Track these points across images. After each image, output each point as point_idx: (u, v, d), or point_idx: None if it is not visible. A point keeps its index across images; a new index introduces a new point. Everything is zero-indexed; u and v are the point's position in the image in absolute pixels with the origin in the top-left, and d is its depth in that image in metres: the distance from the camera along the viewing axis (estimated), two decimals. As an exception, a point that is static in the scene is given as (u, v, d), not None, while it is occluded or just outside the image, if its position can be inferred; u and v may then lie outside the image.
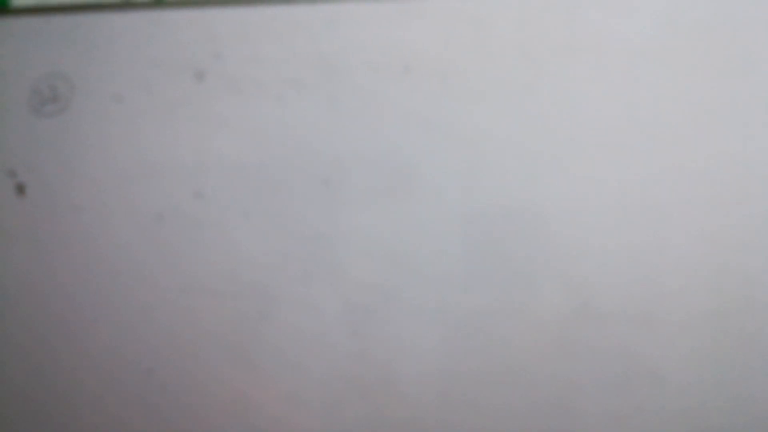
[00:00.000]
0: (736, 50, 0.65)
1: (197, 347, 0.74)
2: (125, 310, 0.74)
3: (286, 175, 0.72)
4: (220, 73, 0.74)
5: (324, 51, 0.72)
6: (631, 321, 0.66)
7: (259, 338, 0.73)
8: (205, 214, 0.73)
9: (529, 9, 0.69)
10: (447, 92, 0.70)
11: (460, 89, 0.69)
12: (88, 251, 0.76)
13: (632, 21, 0.67)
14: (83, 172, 0.76)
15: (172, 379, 0.74)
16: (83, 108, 0.77)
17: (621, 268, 0.66)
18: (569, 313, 0.67)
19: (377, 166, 0.71)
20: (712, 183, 0.65)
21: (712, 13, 0.66)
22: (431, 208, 0.70)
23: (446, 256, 0.70)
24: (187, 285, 0.73)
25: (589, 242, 0.67)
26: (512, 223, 0.69)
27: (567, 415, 0.67)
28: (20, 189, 0.78)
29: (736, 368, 0.65)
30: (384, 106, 0.71)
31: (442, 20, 0.70)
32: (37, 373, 0.76)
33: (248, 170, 0.72)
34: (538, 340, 0.67)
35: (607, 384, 0.66)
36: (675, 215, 0.66)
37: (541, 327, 0.67)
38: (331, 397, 0.71)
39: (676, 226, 0.66)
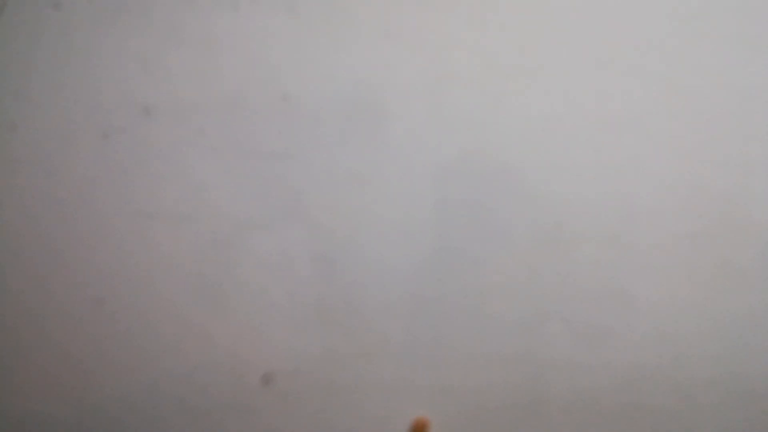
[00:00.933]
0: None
1: (151, 276, 0.70)
2: (71, 234, 0.69)
3: (241, 89, 0.67)
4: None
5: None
6: (603, 242, 0.64)
7: (218, 265, 0.69)
8: (155, 132, 0.68)
9: None
10: (416, 1, 0.65)
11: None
12: (26, 175, 0.70)
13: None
14: (17, 88, 0.70)
15: (124, 309, 0.69)
16: (18, 15, 0.70)
17: (595, 188, 0.64)
18: (542, 234, 0.64)
19: (340, 82, 0.66)
20: (689, 100, 0.63)
21: None
22: (399, 129, 0.66)
23: (415, 180, 0.66)
24: (138, 209, 0.68)
25: (563, 161, 0.64)
26: (484, 146, 0.65)
27: (536, 339, 0.65)
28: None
29: (709, 290, 0.63)
30: (347, 16, 0.66)
31: None
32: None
33: (200, 83, 0.67)
34: (509, 263, 0.65)
35: (578, 306, 0.64)
36: (651, 133, 0.63)
37: (512, 249, 0.65)
38: (293, 323, 0.68)
39: (651, 145, 0.63)
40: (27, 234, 0.70)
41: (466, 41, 0.64)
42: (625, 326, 0.64)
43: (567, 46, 0.63)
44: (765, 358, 0.64)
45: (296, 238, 0.68)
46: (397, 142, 0.66)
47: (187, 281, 0.70)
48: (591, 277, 0.64)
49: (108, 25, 0.68)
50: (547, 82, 0.64)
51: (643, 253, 0.63)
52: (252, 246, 0.68)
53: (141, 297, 0.70)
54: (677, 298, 0.64)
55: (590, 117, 0.63)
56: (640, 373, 0.65)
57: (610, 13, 0.63)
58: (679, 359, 0.64)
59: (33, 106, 0.69)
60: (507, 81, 0.64)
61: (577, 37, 0.63)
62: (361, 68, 0.66)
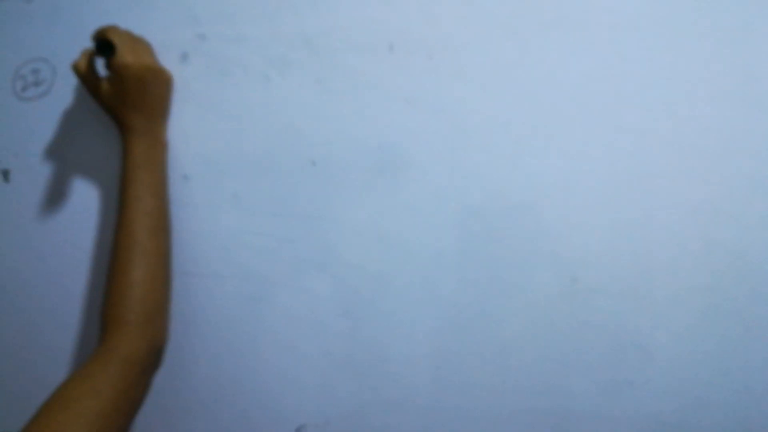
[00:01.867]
0: (725, 24, 0.65)
1: (189, 329, 0.74)
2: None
3: (272, 155, 0.71)
4: (205, 54, 0.73)
5: (308, 31, 0.71)
6: (619, 296, 0.66)
7: (251, 320, 0.73)
8: (193, 196, 0.73)
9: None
10: (432, 70, 0.69)
11: (446, 67, 0.69)
12: (73, 237, 0.76)
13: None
14: (67, 156, 0.76)
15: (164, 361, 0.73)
16: (65, 92, 0.76)
17: (609, 244, 0.66)
18: (559, 289, 0.67)
19: (364, 146, 0.71)
20: (699, 157, 0.65)
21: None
22: (420, 188, 0.70)
23: (437, 237, 0.70)
24: (177, 267, 0.73)
25: (577, 219, 0.67)
26: (501, 204, 0.68)
27: (558, 392, 0.67)
28: (5, 175, 0.77)
29: (725, 342, 0.65)
30: (370, 85, 0.70)
31: (428, -3, 0.70)
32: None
33: (234, 150, 0.72)
34: (529, 318, 0.68)
35: (597, 359, 0.66)
36: (662, 190, 0.66)
37: (531, 304, 0.68)
38: (323, 376, 0.71)
39: (663, 202, 0.66)
40: (76, 299, 0.75)
41: (481, 104, 0.68)
42: (644, 377, 0.66)
43: (579, 108, 0.67)
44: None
45: (325, 295, 0.71)
46: (418, 200, 0.70)
47: (220, 336, 0.73)
48: (609, 330, 0.66)
49: (149, 99, 0.73)
50: (561, 143, 0.67)
51: (659, 306, 0.66)
52: (282, 302, 0.72)
53: (177, 348, 0.73)
54: (694, 350, 0.65)
55: (603, 175, 0.66)
56: (660, 421, 0.66)
57: (620, 77, 0.66)
58: (697, 407, 0.66)
59: (81, 172, 0.75)
60: (521, 144, 0.68)
61: (589, 99, 0.67)
62: (384, 132, 0.70)
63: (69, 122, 0.76)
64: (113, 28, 0.67)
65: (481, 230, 0.69)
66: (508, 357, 0.68)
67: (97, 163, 0.75)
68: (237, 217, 0.72)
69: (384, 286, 0.70)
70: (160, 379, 0.65)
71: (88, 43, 0.72)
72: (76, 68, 0.67)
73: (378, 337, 0.70)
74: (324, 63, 0.71)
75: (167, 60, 0.73)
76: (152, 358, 0.59)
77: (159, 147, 0.70)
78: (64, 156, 0.76)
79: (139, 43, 0.69)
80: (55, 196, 0.76)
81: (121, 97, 0.66)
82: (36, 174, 0.77)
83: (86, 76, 0.67)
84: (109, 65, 0.66)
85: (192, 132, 0.73)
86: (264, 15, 0.72)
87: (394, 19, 0.70)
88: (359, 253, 0.71)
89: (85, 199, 0.76)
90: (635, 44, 0.66)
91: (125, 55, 0.65)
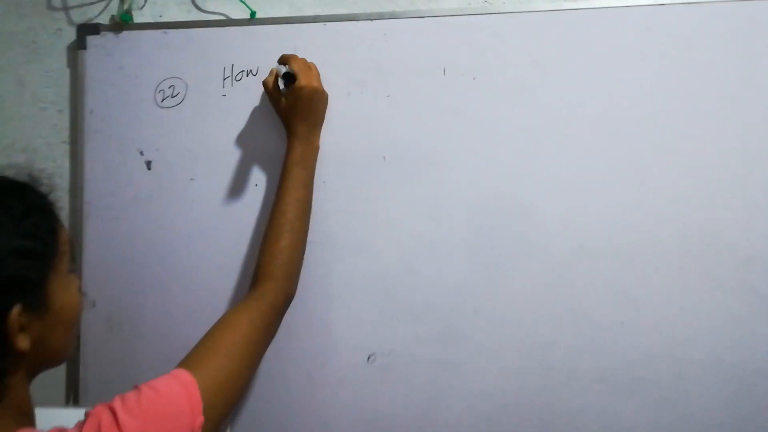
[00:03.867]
0: (720, 57, 0.86)
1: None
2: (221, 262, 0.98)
3: (353, 153, 0.95)
4: (302, 75, 0.96)
5: (379, 58, 0.95)
6: (615, 258, 0.88)
7: (335, 276, 0.96)
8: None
9: (537, 24, 0.91)
10: (475, 90, 0.92)
11: (485, 88, 0.91)
12: (199, 215, 1.00)
13: (622, 31, 0.89)
14: (196, 151, 1.00)
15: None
16: (195, 102, 1.00)
17: (608, 220, 0.88)
18: (570, 253, 0.90)
19: (421, 147, 0.94)
20: (675, 157, 0.87)
21: (689, 25, 0.87)
22: (458, 179, 0.93)
23: (472, 214, 0.92)
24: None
25: (584, 202, 0.89)
26: (527, 190, 0.91)
27: (566, 330, 0.90)
28: (148, 165, 1.02)
29: (695, 292, 0.87)
30: (426, 100, 0.93)
31: (470, 32, 0.92)
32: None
33: (326, 147, 0.95)
34: (545, 274, 0.90)
35: (597, 306, 0.89)
36: (647, 182, 0.88)
37: (547, 264, 0.90)
38: (387, 316, 0.94)
39: (648, 190, 0.88)
40: (193, 272, 0.99)
41: (511, 116, 0.91)
42: (633, 320, 0.88)
43: (576, 115, 0.89)
44: (738, 344, 0.86)
45: (388, 256, 0.94)
46: (459, 186, 0.93)
47: (314, 289, 0.97)
48: (606, 284, 0.89)
49: (259, 109, 0.97)
50: (570, 146, 0.90)
51: (646, 266, 0.88)
52: (357, 262, 0.95)
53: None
54: (672, 298, 0.87)
55: (605, 170, 0.89)
56: (647, 353, 0.88)
57: (614, 101, 0.89)
58: (675, 342, 0.87)
59: (206, 163, 0.99)
60: (542, 145, 0.90)
61: (584, 105, 0.89)
62: (426, 137, 0.93)
63: (198, 125, 1.00)
64: (293, 57, 0.90)
65: (508, 208, 0.91)
66: (514, 306, 0.91)
67: (218, 157, 0.99)
68: (324, 197, 0.95)
69: (431, 250, 0.93)
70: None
71: (212, 65, 0.97)
72: (265, 84, 0.91)
73: (429, 288, 0.93)
74: (391, 83, 0.94)
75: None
76: (286, 305, 0.81)
77: (312, 150, 0.93)
78: (194, 151, 1.00)
79: (311, 70, 0.92)
80: (186, 182, 1.00)
81: (293, 110, 0.90)
82: (171, 165, 1.01)
83: (272, 92, 0.91)
84: (288, 87, 0.88)
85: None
86: (346, 46, 0.95)
87: (446, 49, 0.93)
88: (413, 226, 0.94)
89: (209, 184, 1.00)
90: (633, 74, 0.88)
91: (301, 80, 0.87)
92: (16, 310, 0.49)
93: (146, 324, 1.02)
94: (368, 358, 0.95)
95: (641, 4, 0.88)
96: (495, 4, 0.94)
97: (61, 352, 0.57)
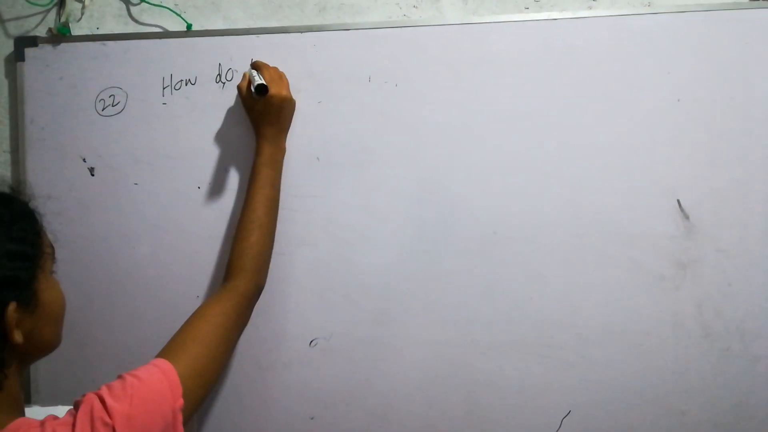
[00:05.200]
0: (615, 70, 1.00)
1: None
2: (161, 270, 1.05)
3: (290, 155, 1.03)
4: (236, 83, 1.04)
5: (310, 67, 1.03)
6: (524, 242, 1.01)
7: (274, 270, 1.04)
8: (233, 184, 1.04)
9: (451, 36, 1.02)
10: (398, 95, 1.02)
11: (407, 93, 1.02)
12: (144, 218, 1.06)
13: (522, 42, 1.01)
14: (139, 157, 1.06)
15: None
16: (136, 111, 1.06)
17: (518, 209, 1.01)
18: (485, 238, 1.02)
19: (351, 147, 1.03)
20: (574, 150, 1.01)
21: (580, 37, 1.00)
22: (385, 175, 1.03)
23: (400, 206, 1.03)
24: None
25: (497, 192, 1.01)
26: (445, 183, 1.02)
27: (481, 307, 1.02)
28: (91, 171, 1.06)
29: (591, 270, 1.01)
30: (354, 105, 1.03)
31: (392, 44, 1.02)
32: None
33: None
34: (464, 257, 1.02)
35: (510, 285, 1.01)
36: (549, 175, 1.01)
37: (465, 248, 1.02)
38: (327, 304, 1.04)
39: (551, 181, 1.01)
40: (134, 273, 1.05)
41: (431, 118, 1.02)
42: (541, 291, 1.01)
43: (486, 116, 1.01)
44: (626, 311, 1.01)
45: (327, 248, 1.04)
46: (388, 181, 1.03)
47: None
48: (518, 265, 1.01)
49: (198, 115, 1.04)
50: (485, 145, 1.01)
51: (550, 249, 1.01)
52: (301, 255, 1.04)
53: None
54: (573, 275, 1.01)
55: (514, 162, 1.01)
56: (551, 323, 1.02)
57: (515, 86, 1.01)
58: (577, 312, 1.01)
59: (149, 169, 1.05)
60: (459, 144, 1.02)
61: (493, 107, 1.01)
62: (355, 138, 1.03)
63: (140, 132, 1.06)
64: (264, 65, 0.97)
65: (431, 200, 1.02)
66: (445, 285, 1.02)
67: (161, 162, 1.05)
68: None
69: (366, 241, 1.03)
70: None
71: (152, 75, 1.03)
72: (239, 88, 0.97)
73: (363, 274, 1.03)
74: (322, 90, 1.03)
75: (209, 87, 1.04)
76: (257, 296, 0.89)
77: (280, 152, 1.00)
78: (137, 157, 1.06)
79: (282, 79, 0.99)
80: (130, 187, 1.06)
81: (263, 115, 0.97)
82: (114, 171, 1.06)
83: (245, 97, 0.97)
84: (260, 96, 0.93)
85: (229, 139, 1.04)
86: (279, 57, 1.03)
87: (371, 59, 1.03)
88: (347, 219, 1.03)
89: (153, 189, 1.06)
90: (532, 80, 1.01)
91: (272, 89, 0.94)
92: (11, 306, 0.55)
93: (93, 328, 1.07)
94: (311, 343, 1.04)
95: (538, 19, 1.01)
96: (413, 18, 1.05)
97: (50, 343, 0.64)
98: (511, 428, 1.03)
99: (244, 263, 0.88)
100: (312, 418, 1.04)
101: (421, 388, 1.03)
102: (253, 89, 0.93)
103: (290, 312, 1.05)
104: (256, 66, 0.98)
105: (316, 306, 1.04)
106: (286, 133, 1.03)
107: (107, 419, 0.55)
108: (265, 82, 0.93)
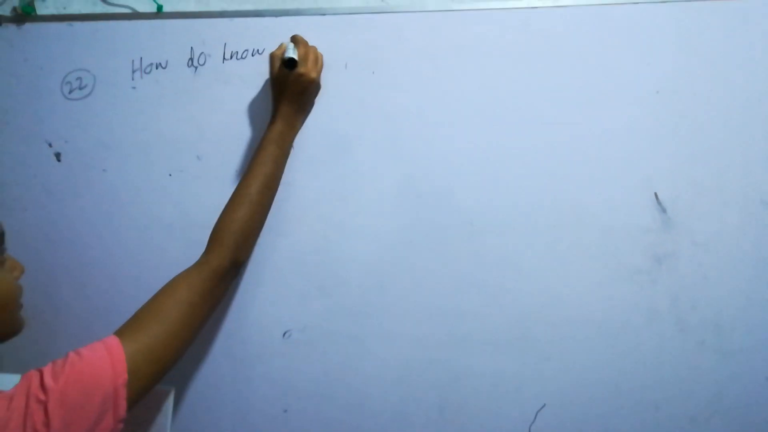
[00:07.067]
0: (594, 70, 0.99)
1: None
2: (136, 251, 1.02)
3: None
4: (211, 68, 1.01)
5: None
6: (499, 233, 1.00)
7: (252, 261, 1.02)
8: (205, 172, 1.01)
9: (429, 22, 1.00)
10: (374, 82, 1.00)
11: (384, 80, 1.00)
12: (113, 205, 1.03)
13: (501, 30, 1.00)
14: (107, 143, 1.02)
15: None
16: (104, 94, 1.02)
17: (493, 200, 1.00)
18: (461, 229, 1.00)
19: (327, 136, 1.01)
20: (550, 141, 0.99)
21: (561, 26, 0.99)
22: (362, 164, 1.01)
23: (380, 196, 1.01)
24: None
25: (473, 184, 1.00)
26: (423, 173, 1.00)
27: (458, 297, 1.00)
28: (57, 156, 1.03)
29: (566, 259, 1.00)
30: (331, 93, 1.01)
31: (369, 30, 1.00)
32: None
33: (236, 139, 1.00)
34: (441, 247, 1.00)
35: (485, 275, 1.00)
36: (526, 165, 1.00)
37: (443, 238, 1.00)
38: (300, 295, 1.02)
39: (527, 172, 1.00)
40: (106, 257, 1.02)
41: (408, 106, 1.00)
42: (516, 284, 1.00)
43: (464, 104, 1.00)
44: (602, 303, 1.00)
45: (302, 239, 1.02)
46: (366, 170, 1.01)
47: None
48: (493, 255, 1.00)
49: (169, 101, 1.01)
50: (464, 136, 1.00)
51: (525, 239, 1.00)
52: (275, 245, 1.02)
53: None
54: (547, 264, 1.00)
55: (492, 151, 1.00)
56: (526, 316, 1.00)
57: (494, 74, 0.99)
58: (550, 301, 1.00)
59: (118, 154, 1.01)
60: (438, 134, 1.00)
61: (471, 95, 0.99)
62: (332, 126, 1.01)
63: (108, 117, 1.02)
64: (304, 42, 0.96)
65: (409, 191, 1.01)
66: (425, 273, 1.01)
67: (131, 148, 1.02)
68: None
69: (341, 231, 1.01)
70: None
71: (121, 58, 0.99)
72: (272, 56, 0.96)
73: (338, 265, 1.01)
74: (298, 75, 1.01)
75: (181, 71, 1.01)
76: (232, 273, 0.86)
77: (292, 131, 0.97)
78: (105, 142, 1.02)
79: (317, 62, 0.97)
80: (98, 173, 1.03)
81: (285, 91, 0.95)
82: (82, 156, 1.03)
83: (275, 66, 0.95)
84: (289, 69, 0.92)
85: (203, 125, 1.01)
86: (252, 41, 1.00)
87: (347, 46, 1.00)
88: (323, 209, 1.01)
89: (122, 175, 1.02)
90: (507, 75, 0.99)
91: (300, 68, 0.93)
92: None
93: (59, 316, 1.04)
94: (284, 334, 1.02)
95: (519, 6, 1.00)
96: (390, 4, 1.03)
97: (2, 332, 0.66)
98: (485, 421, 1.02)
99: (222, 237, 0.85)
100: (285, 411, 1.03)
101: (396, 381, 1.02)
102: (284, 59, 0.92)
103: (263, 303, 1.02)
104: (295, 40, 0.96)
105: (289, 297, 1.02)
106: (303, 115, 1.00)
107: (41, 396, 0.56)
108: (296, 58, 0.92)
